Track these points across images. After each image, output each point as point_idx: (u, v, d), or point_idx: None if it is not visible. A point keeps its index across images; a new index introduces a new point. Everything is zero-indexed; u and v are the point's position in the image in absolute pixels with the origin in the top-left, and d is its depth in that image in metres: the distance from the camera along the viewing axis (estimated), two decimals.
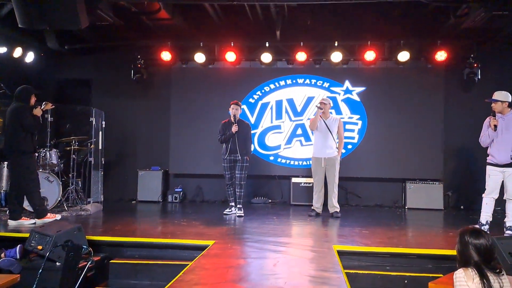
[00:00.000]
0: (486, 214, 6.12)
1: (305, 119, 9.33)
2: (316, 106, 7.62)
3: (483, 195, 6.17)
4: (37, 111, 6.30)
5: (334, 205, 7.54)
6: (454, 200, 9.22)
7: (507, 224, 6.01)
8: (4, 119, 6.32)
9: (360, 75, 9.35)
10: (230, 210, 7.65)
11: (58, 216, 6.57)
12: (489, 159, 6.17)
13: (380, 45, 8.93)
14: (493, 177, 6.08)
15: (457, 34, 8.55)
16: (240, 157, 7.46)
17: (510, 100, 6.01)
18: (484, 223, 6.08)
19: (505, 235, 5.83)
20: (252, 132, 9.28)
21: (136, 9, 7.92)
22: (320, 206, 7.64)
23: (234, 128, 7.37)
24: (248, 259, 4.51)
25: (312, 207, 7.68)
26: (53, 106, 6.86)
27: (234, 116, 7.49)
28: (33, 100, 6.32)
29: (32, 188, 6.26)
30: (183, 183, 9.74)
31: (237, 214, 7.47)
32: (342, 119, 8.08)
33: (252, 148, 9.31)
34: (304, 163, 9.27)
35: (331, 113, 7.80)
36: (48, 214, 6.44)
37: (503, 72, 8.88)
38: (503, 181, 6.04)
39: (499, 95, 6.04)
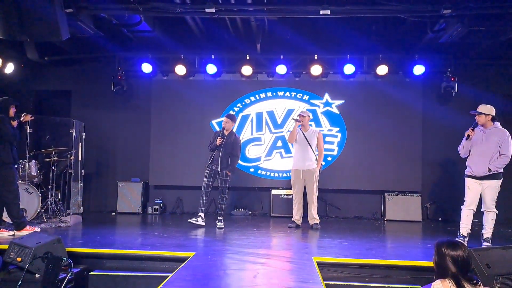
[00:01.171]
0: (466, 226, 6.18)
1: (285, 132, 9.39)
2: (293, 119, 7.68)
3: (462, 207, 6.24)
4: (14, 123, 6.26)
5: (314, 217, 7.60)
6: (433, 212, 9.34)
7: (485, 236, 6.09)
8: None
9: (340, 88, 9.47)
10: (197, 220, 7.49)
11: (38, 228, 6.50)
12: (467, 171, 6.26)
13: (359, 59, 9.07)
14: (472, 189, 6.16)
15: (435, 49, 8.76)
16: (220, 170, 7.45)
17: (493, 114, 6.12)
18: (465, 235, 6.15)
19: (482, 246, 5.90)
20: None
21: (117, 21, 7.94)
22: (300, 218, 7.70)
23: (218, 141, 7.41)
24: (228, 270, 4.52)
25: (292, 219, 7.72)
26: (32, 118, 6.82)
27: (223, 128, 7.53)
28: (12, 111, 6.29)
29: (11, 199, 6.19)
30: (163, 194, 9.70)
31: (217, 226, 7.44)
32: (321, 132, 8.15)
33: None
34: (284, 175, 9.33)
35: (310, 125, 7.87)
36: (27, 226, 6.37)
37: (480, 85, 9.08)
38: (481, 193, 6.14)
39: (483, 108, 6.14)
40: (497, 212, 6.07)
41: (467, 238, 6.15)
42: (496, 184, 6.05)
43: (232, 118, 7.69)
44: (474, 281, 2.96)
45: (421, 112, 9.23)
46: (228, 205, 9.35)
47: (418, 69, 8.86)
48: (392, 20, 8.15)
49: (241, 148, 7.91)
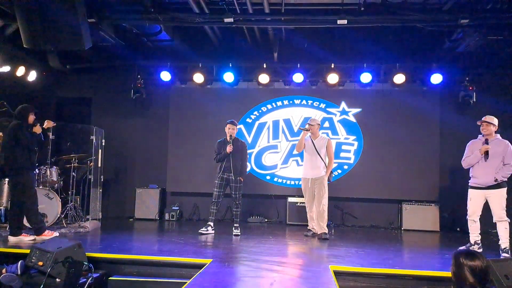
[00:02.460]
0: (473, 235, 6.32)
1: None
2: (300, 128, 7.63)
3: (467, 217, 6.38)
4: (37, 129, 6.39)
5: (322, 226, 7.39)
6: (451, 222, 9.20)
7: (502, 247, 6.07)
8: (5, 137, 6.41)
9: (356, 96, 9.48)
10: (207, 229, 7.50)
11: (56, 233, 6.60)
12: (471, 182, 6.41)
13: (376, 68, 9.06)
14: (474, 199, 6.32)
15: (452, 58, 8.74)
16: (233, 177, 7.48)
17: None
18: (473, 243, 6.26)
19: (501, 257, 5.87)
20: (249, 151, 9.37)
21: (138, 30, 8.09)
22: (315, 226, 7.58)
23: (229, 149, 7.39)
24: (245, 278, 4.54)
25: (308, 227, 7.70)
26: (54, 124, 6.95)
27: (230, 136, 7.51)
28: (31, 118, 6.39)
29: (28, 205, 6.29)
30: (180, 201, 9.79)
31: (234, 233, 7.47)
32: (338, 140, 8.11)
33: (249, 168, 9.41)
34: (301, 183, 9.29)
35: (326, 133, 7.81)
36: (46, 231, 6.46)
37: (498, 95, 9.00)
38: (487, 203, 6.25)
39: (492, 119, 6.29)
40: (509, 220, 6.10)
41: (476, 246, 6.21)
42: (502, 192, 6.15)
43: (236, 124, 7.69)
44: None
45: (439, 121, 9.18)
46: (244, 212, 9.40)
47: (436, 78, 8.83)
48: (409, 29, 8.14)
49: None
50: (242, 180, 7.59)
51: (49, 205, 7.50)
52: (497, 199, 6.11)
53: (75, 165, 8.17)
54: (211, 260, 5.18)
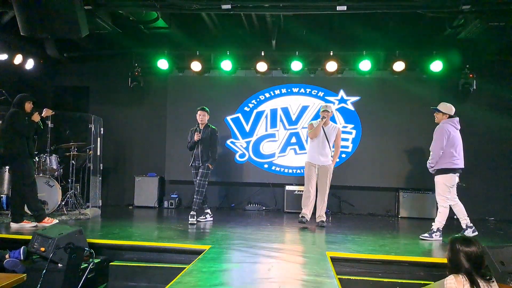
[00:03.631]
0: (461, 219, 6.48)
1: (299, 128, 9.45)
2: (323, 116, 7.37)
3: None
4: (35, 117, 6.41)
5: (321, 215, 7.33)
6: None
7: (433, 227, 6.46)
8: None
9: (355, 84, 9.46)
10: (205, 217, 7.59)
11: (56, 220, 6.67)
12: None
13: (375, 55, 9.01)
14: None
15: (453, 45, 8.64)
16: (201, 164, 7.42)
17: (451, 113, 6.49)
18: (465, 227, 6.38)
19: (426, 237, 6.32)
20: (247, 140, 9.41)
21: (134, 18, 8.04)
22: (310, 213, 7.33)
23: (196, 137, 7.38)
24: (243, 263, 4.58)
25: (302, 214, 7.31)
26: (53, 113, 6.95)
27: (199, 123, 7.51)
28: (28, 106, 6.43)
29: (27, 193, 6.34)
30: (178, 189, 9.83)
31: (189, 222, 7.26)
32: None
33: (247, 156, 9.45)
34: (298, 171, 9.37)
35: (334, 122, 7.69)
36: (46, 218, 6.53)
37: (498, 82, 9.01)
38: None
39: (439, 105, 6.54)
40: (444, 206, 6.36)
41: (469, 230, 6.29)
42: (437, 179, 6.37)
43: (206, 110, 7.61)
44: (488, 277, 3.00)
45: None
46: (242, 200, 9.52)
47: (436, 66, 8.79)
48: (410, 15, 8.08)
49: (218, 138, 7.78)
50: (210, 167, 7.44)
51: (50, 192, 7.58)
52: (436, 184, 6.39)
53: (74, 153, 8.21)
54: (210, 246, 5.23)
